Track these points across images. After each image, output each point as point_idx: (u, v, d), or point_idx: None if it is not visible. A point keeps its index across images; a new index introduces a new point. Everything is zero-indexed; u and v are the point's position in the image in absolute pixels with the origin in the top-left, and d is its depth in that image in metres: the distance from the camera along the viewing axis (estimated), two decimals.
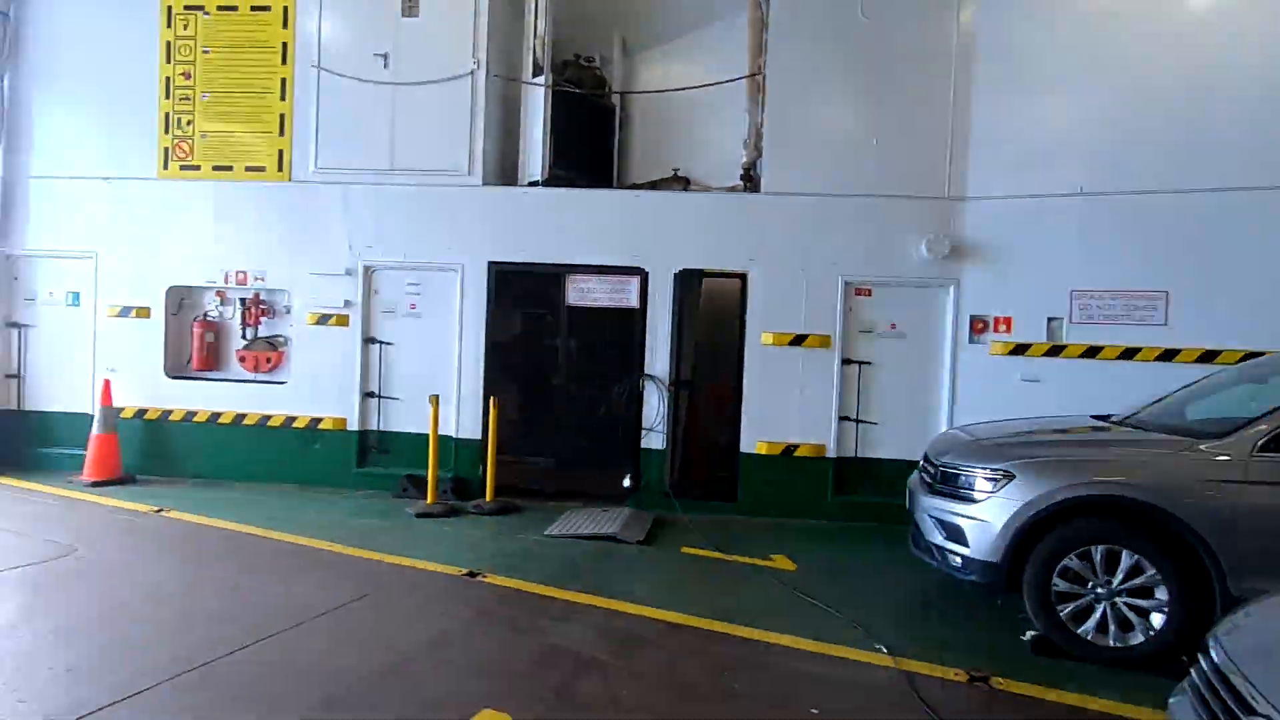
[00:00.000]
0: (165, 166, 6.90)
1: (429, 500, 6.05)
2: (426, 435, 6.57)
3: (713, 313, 6.80)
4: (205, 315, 7.10)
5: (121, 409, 6.83)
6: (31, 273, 7.17)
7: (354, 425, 6.75)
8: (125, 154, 6.93)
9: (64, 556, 4.53)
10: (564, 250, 6.55)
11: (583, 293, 6.56)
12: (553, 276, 6.58)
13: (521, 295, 6.69)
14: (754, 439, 6.39)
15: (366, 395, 6.76)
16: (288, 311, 6.97)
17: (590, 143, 7.05)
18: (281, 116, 6.79)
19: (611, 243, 6.51)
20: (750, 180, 6.66)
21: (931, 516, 4.13)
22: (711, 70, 6.96)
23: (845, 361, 6.28)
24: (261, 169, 6.81)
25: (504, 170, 6.95)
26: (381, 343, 6.76)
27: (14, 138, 7.05)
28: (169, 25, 6.91)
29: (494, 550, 5.10)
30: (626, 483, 6.43)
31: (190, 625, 3.65)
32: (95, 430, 6.60)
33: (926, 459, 4.47)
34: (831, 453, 6.25)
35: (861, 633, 3.79)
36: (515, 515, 6.03)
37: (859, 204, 6.21)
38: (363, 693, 3.02)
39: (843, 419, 6.27)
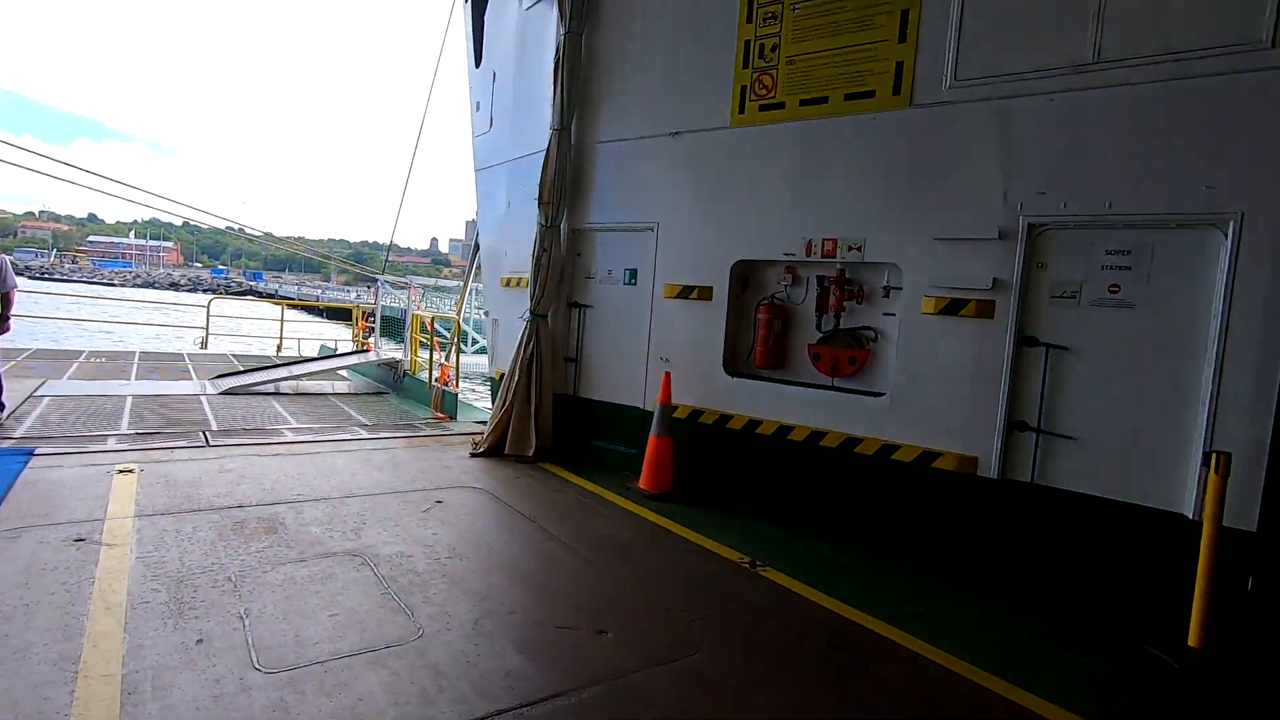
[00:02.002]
0: (741, 110, 5.51)
1: (1191, 639, 3.34)
2: (1119, 503, 3.99)
3: None
4: (773, 298, 5.59)
5: (675, 407, 5.76)
6: (592, 248, 6.62)
7: (990, 470, 4.43)
8: (694, 101, 5.76)
9: (684, 658, 3.07)
10: None
11: None
12: None
13: None
14: None
15: (1015, 426, 4.37)
16: (887, 295, 5.00)
17: None
18: (903, 15, 4.74)
19: None
20: None
21: None
22: None
23: None
24: (869, 94, 4.90)
25: None
26: (1049, 345, 4.27)
27: (587, 100, 6.51)
28: None
29: None
30: None
31: None
32: (653, 430, 5.61)
33: None
34: None
35: None
36: None
37: None
38: None
39: None
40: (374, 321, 12.19)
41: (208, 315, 12.33)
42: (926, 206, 4.65)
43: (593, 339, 6.61)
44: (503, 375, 7.42)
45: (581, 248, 6.68)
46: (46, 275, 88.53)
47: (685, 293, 5.84)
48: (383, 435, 6.97)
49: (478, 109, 8.33)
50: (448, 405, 8.35)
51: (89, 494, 4.47)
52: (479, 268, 9.37)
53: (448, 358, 9.60)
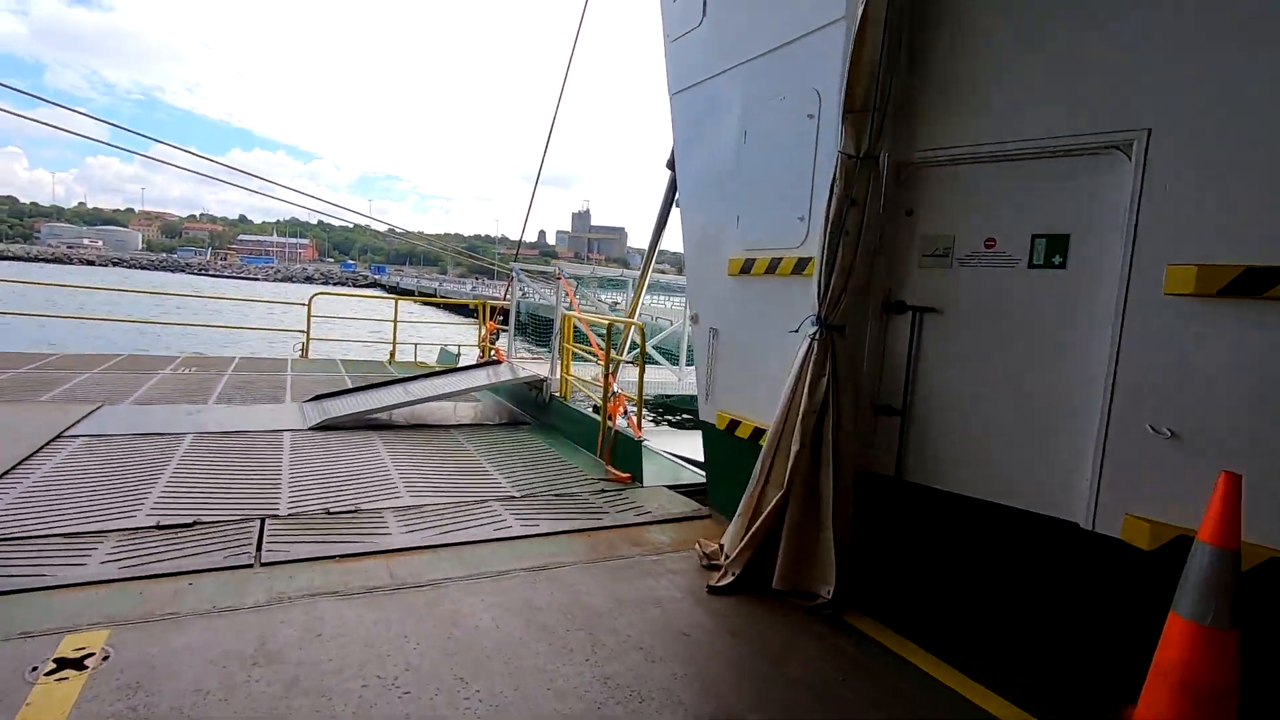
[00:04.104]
0: None
1: None
2: None
3: None
4: None
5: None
6: (946, 198, 3.44)
7: None
8: None
9: None
10: None
11: None
12: None
13: None
14: None
15: None
16: None
17: None
18: None
19: None
20: None
21: None
22: None
23: None
24: None
25: None
26: None
27: None
28: None
29: None
30: None
31: None
32: (1186, 607, 2.36)
33: None
34: None
35: None
36: None
37: None
38: None
39: None
40: (504, 322, 9.62)
41: (308, 316, 10.22)
42: None
43: (943, 375, 3.44)
44: (730, 425, 4.43)
45: (919, 200, 3.51)
46: (203, 272, 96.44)
47: (1242, 284, 2.54)
48: (541, 527, 4.15)
49: None
50: (627, 458, 5.47)
51: None
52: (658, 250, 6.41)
53: (615, 372, 6.74)
